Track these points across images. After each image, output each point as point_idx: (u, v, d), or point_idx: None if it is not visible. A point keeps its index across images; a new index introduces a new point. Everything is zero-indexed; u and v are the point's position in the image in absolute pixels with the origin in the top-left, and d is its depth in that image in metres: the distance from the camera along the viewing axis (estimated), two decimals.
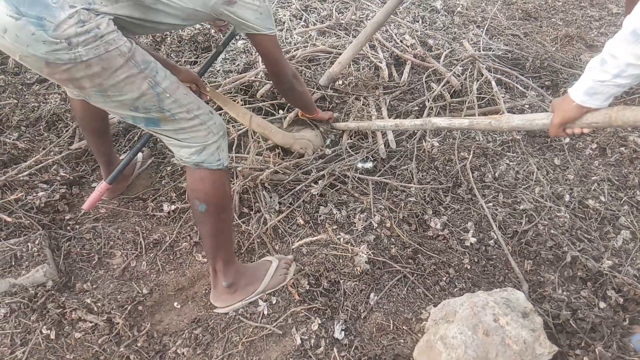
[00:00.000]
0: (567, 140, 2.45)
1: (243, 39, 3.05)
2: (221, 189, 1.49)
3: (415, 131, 2.47)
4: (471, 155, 2.32)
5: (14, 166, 2.10)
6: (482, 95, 2.67)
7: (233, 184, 2.05)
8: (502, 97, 2.65)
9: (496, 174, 2.26)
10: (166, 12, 1.34)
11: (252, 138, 2.20)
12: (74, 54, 1.15)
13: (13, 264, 1.72)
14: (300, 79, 1.99)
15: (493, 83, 2.71)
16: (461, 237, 1.96)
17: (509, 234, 1.97)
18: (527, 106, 2.67)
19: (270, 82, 2.47)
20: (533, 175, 2.24)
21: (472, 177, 2.21)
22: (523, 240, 1.93)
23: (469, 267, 1.85)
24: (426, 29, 3.48)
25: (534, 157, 2.37)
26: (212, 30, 3.01)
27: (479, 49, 3.16)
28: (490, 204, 2.11)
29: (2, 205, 1.89)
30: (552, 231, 1.95)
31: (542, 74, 3.02)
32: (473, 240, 1.93)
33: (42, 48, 1.12)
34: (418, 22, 3.62)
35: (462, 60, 2.97)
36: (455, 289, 1.78)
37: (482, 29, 3.56)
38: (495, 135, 2.50)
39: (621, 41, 1.09)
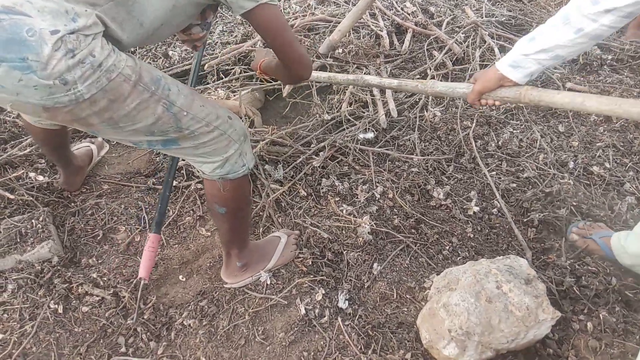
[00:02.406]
0: None
1: None
2: (241, 192, 1.44)
3: (417, 100, 2.43)
4: (474, 124, 2.30)
5: (13, 142, 2.09)
6: (485, 63, 2.63)
7: None
8: None
9: (499, 143, 2.24)
10: (150, 3, 1.11)
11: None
12: (74, 94, 0.98)
13: (18, 240, 1.73)
14: (304, 52, 1.45)
15: (496, 50, 2.67)
16: (464, 207, 1.96)
17: (512, 202, 1.97)
18: None
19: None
20: (537, 142, 2.22)
21: (475, 146, 2.19)
22: (526, 208, 1.93)
23: (472, 235, 1.85)
24: None
25: (537, 125, 2.34)
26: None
27: (482, 15, 3.10)
28: (494, 173, 2.09)
29: (4, 183, 1.90)
30: (555, 198, 1.94)
31: None
32: (476, 209, 1.93)
33: (36, 94, 0.96)
34: None
35: (464, 27, 2.92)
36: (458, 258, 1.78)
37: None
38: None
39: (552, 20, 1.23)
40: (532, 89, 1.36)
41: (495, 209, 1.94)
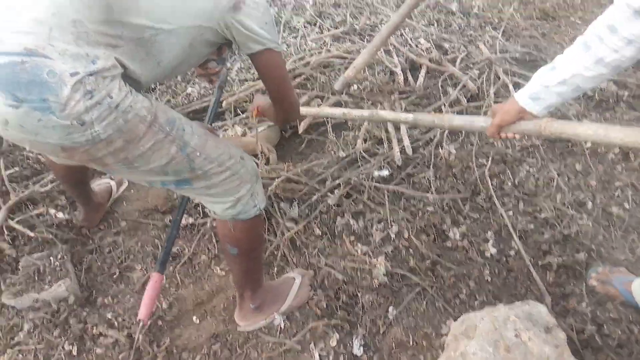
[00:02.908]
0: (589, 145, 2.40)
1: None
2: (254, 232, 1.44)
3: (432, 137, 2.44)
4: (490, 162, 2.29)
5: (35, 179, 2.13)
6: (499, 99, 2.63)
7: None
8: None
9: (516, 181, 2.22)
10: (169, 43, 1.15)
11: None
12: (91, 134, 1.00)
13: (36, 278, 1.75)
14: (297, 99, 1.57)
15: (510, 87, 2.67)
16: (481, 248, 1.94)
17: (530, 244, 1.94)
18: None
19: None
20: (554, 181, 2.19)
21: (491, 184, 2.18)
22: (545, 250, 1.90)
23: (489, 279, 1.82)
24: (442, 32, 3.45)
25: (554, 163, 2.33)
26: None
27: (496, 51, 3.12)
28: (510, 212, 2.07)
29: (26, 220, 1.93)
30: (575, 240, 1.91)
31: None
32: (493, 250, 1.91)
33: (54, 134, 0.98)
34: (433, 25, 3.59)
35: (479, 64, 2.94)
36: (475, 302, 1.75)
37: (498, 31, 3.51)
38: (515, 141, 2.46)
39: (572, 51, 1.21)
40: (552, 121, 1.33)
41: (512, 251, 1.91)
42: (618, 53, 1.13)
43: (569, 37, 3.52)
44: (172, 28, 1.13)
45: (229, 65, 2.95)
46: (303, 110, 2.22)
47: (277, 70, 1.35)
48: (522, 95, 1.33)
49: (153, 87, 2.83)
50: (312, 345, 1.61)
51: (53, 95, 0.94)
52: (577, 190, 2.17)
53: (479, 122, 1.52)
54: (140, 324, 1.59)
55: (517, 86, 2.78)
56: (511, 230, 1.95)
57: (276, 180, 2.09)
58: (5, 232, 1.88)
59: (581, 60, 1.19)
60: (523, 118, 1.36)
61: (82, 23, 0.99)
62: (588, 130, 1.28)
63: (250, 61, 1.40)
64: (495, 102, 2.62)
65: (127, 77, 1.09)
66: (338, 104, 2.62)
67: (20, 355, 1.61)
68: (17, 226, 1.87)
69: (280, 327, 1.66)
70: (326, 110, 2.19)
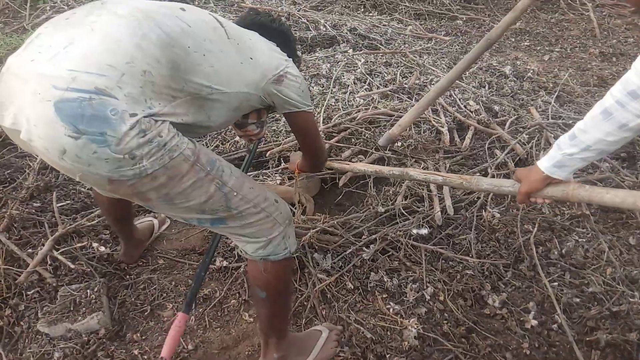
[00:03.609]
0: None
1: None
2: (283, 276, 1.46)
3: (476, 198, 2.38)
4: (536, 229, 2.20)
5: (84, 212, 2.23)
6: None
7: None
8: None
9: (563, 251, 2.12)
10: (221, 102, 1.30)
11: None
12: (139, 169, 1.08)
13: (72, 309, 1.79)
14: (325, 151, 1.95)
15: None
16: (521, 318, 1.83)
17: (575, 318, 1.81)
18: (600, 180, 2.52)
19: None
20: (604, 254, 2.07)
21: (536, 252, 2.08)
22: (590, 326, 1.77)
23: (528, 352, 1.71)
24: (492, 95, 3.44)
25: (605, 235, 2.20)
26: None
27: (548, 117, 3.06)
28: (555, 284, 1.96)
29: (69, 252, 2.01)
30: (625, 319, 1.78)
31: None
32: (534, 322, 1.79)
33: (105, 166, 1.05)
34: (484, 87, 3.59)
35: (529, 128, 2.89)
36: None
37: (552, 96, 3.46)
38: (564, 209, 2.37)
39: (592, 119, 1.21)
40: (579, 188, 1.32)
41: (555, 325, 1.80)
42: None
43: None
44: (226, 91, 1.29)
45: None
46: (336, 165, 2.25)
47: (308, 127, 1.61)
48: (546, 165, 1.33)
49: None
50: None
51: (112, 130, 1.02)
52: (630, 265, 2.04)
53: (506, 187, 1.51)
54: None
55: None
56: (554, 302, 1.84)
57: (311, 230, 2.09)
58: (49, 262, 1.95)
59: (603, 127, 1.18)
60: (551, 183, 1.36)
61: (150, 74, 1.10)
62: (615, 198, 1.25)
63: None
64: None
65: (178, 124, 1.18)
66: (381, 160, 2.63)
67: None
68: (60, 257, 1.95)
69: None
70: (359, 166, 2.20)
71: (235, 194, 1.27)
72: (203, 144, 2.88)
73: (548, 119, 3.01)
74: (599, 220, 2.31)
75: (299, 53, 1.67)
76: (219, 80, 1.26)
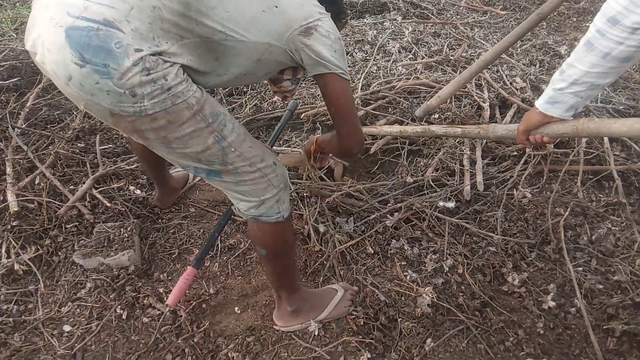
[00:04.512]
0: None
1: None
2: (281, 239, 1.47)
3: (509, 177, 2.33)
4: (567, 212, 2.14)
5: (124, 157, 2.34)
6: (590, 150, 2.46)
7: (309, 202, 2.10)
8: (615, 155, 2.42)
9: (593, 237, 2.06)
10: (237, 50, 1.23)
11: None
12: (139, 107, 1.09)
13: (105, 244, 1.91)
14: (361, 132, 1.53)
15: (605, 138, 2.49)
16: (539, 299, 1.81)
17: (595, 305, 1.78)
18: None
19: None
20: (636, 245, 2.00)
21: (565, 236, 2.04)
22: (610, 314, 1.74)
23: (542, 332, 1.70)
24: (542, 74, 3.30)
25: None
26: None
27: (597, 100, 2.93)
28: (580, 269, 1.92)
29: (107, 191, 2.12)
30: None
31: None
32: (552, 304, 1.78)
33: (107, 98, 1.08)
34: (535, 65, 3.45)
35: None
36: (521, 353, 1.64)
37: None
38: (600, 195, 2.29)
39: (577, 52, 1.21)
40: (589, 121, 1.32)
41: (574, 309, 1.77)
42: (623, 44, 1.12)
43: None
44: (243, 40, 1.22)
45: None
46: (364, 129, 2.27)
47: (341, 96, 1.38)
48: (540, 102, 1.36)
49: (245, 89, 3.00)
50: (342, 358, 1.60)
51: (115, 63, 1.04)
52: None
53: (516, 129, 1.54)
54: (167, 308, 1.68)
55: (614, 140, 2.59)
56: (576, 286, 1.81)
57: (336, 193, 2.12)
58: (88, 199, 2.07)
59: (587, 59, 1.19)
60: (550, 122, 1.37)
61: (160, 10, 1.09)
62: (622, 127, 1.26)
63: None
64: (585, 151, 2.46)
65: (189, 69, 1.17)
66: None
67: (78, 310, 1.76)
68: (99, 195, 2.06)
69: (314, 334, 1.67)
70: (385, 128, 2.25)
71: (233, 149, 1.26)
72: (244, 102, 2.93)
73: (597, 103, 2.88)
74: (637, 211, 2.23)
75: (348, 12, 1.53)
76: (235, 27, 1.19)
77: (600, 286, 1.84)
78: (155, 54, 1.08)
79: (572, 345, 1.67)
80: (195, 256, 1.75)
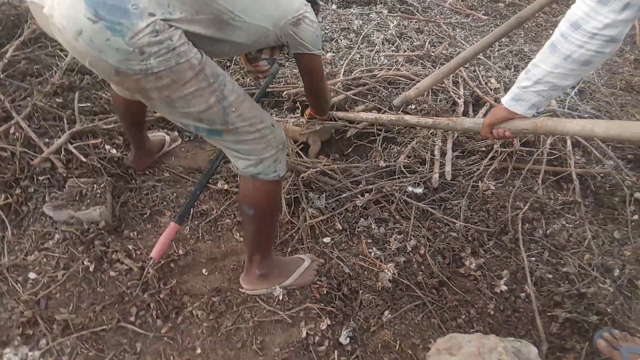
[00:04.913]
0: (636, 217, 2.31)
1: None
2: (272, 198, 1.55)
3: (475, 170, 2.44)
4: (526, 207, 2.26)
5: (101, 116, 2.33)
6: (553, 152, 2.59)
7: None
8: (575, 158, 2.56)
9: (547, 232, 2.19)
10: (242, 31, 1.36)
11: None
12: (145, 65, 1.14)
13: (77, 199, 1.90)
14: (329, 94, 2.19)
15: (568, 142, 2.63)
16: (492, 283, 1.92)
17: (544, 292, 1.90)
18: (601, 175, 2.55)
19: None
20: (586, 241, 2.14)
21: (522, 228, 2.15)
22: (557, 301, 1.86)
23: (492, 312, 1.81)
24: (516, 77, 3.42)
25: (593, 225, 2.26)
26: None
27: (565, 106, 3.07)
28: (533, 259, 2.04)
29: (82, 148, 2.11)
30: (590, 300, 1.86)
31: (627, 146, 2.87)
32: (504, 288, 1.89)
33: (115, 56, 1.12)
34: (510, 69, 3.58)
35: (544, 114, 2.90)
36: (471, 330, 1.74)
37: (575, 89, 3.45)
38: (558, 195, 2.42)
39: (542, 54, 1.29)
40: (547, 120, 1.41)
41: (523, 294, 1.89)
42: (583, 48, 1.19)
43: None
44: (247, 21, 1.36)
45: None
46: (341, 114, 2.53)
47: (315, 69, 1.79)
48: (506, 98, 1.45)
49: (227, 64, 3.02)
50: (303, 323, 1.67)
51: (129, 22, 1.09)
52: (608, 256, 2.10)
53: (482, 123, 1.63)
54: (151, 260, 1.71)
55: (577, 144, 2.73)
56: (527, 274, 1.92)
57: (311, 169, 2.18)
58: (63, 153, 2.07)
59: (550, 60, 1.27)
60: (514, 119, 1.46)
61: None
62: (576, 127, 1.36)
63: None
64: (549, 152, 2.59)
65: (191, 34, 1.23)
66: None
67: (45, 260, 1.77)
68: (74, 150, 2.05)
69: (278, 299, 1.73)
70: (361, 114, 2.36)
71: (233, 109, 1.32)
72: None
73: (564, 109, 3.02)
74: (590, 212, 2.37)
75: (320, 2, 1.81)
76: (242, 9, 1.32)
77: (550, 276, 1.96)
78: (165, 20, 1.14)
79: (519, 327, 1.79)
80: (178, 212, 1.78)
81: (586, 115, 3.04)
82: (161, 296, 1.69)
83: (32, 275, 1.71)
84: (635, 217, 2.33)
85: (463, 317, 1.78)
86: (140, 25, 1.10)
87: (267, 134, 1.42)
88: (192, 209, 1.98)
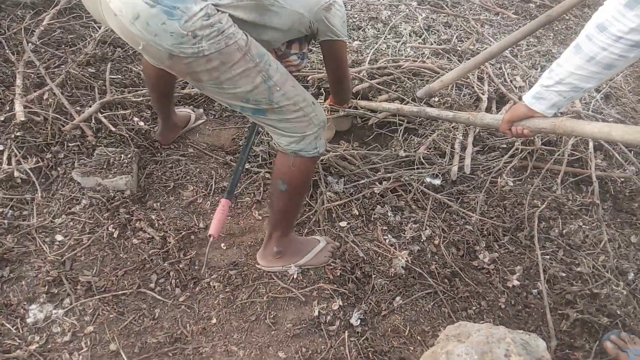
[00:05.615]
0: None
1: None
2: (306, 175, 1.61)
3: (494, 165, 2.45)
4: (544, 206, 2.26)
5: (131, 89, 2.39)
6: (575, 152, 2.58)
7: None
8: (597, 161, 2.55)
9: (564, 231, 2.19)
10: (279, 17, 1.42)
11: None
12: (197, 48, 1.18)
13: (104, 167, 1.97)
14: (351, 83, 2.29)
15: (590, 144, 2.62)
16: (505, 277, 1.94)
17: (556, 290, 1.92)
18: (621, 179, 2.54)
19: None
20: (602, 243, 2.14)
21: (538, 226, 2.16)
22: (568, 300, 1.87)
23: (503, 306, 1.83)
24: None
25: (610, 228, 2.26)
26: None
27: (589, 108, 3.05)
28: (547, 257, 2.06)
29: (112, 117, 2.17)
30: (603, 302, 1.87)
31: None
32: (516, 283, 1.91)
33: (169, 39, 1.16)
34: (537, 69, 3.55)
35: (567, 114, 2.89)
36: (481, 321, 1.77)
37: (600, 92, 3.42)
38: (577, 196, 2.42)
39: (566, 53, 1.29)
40: (566, 120, 1.42)
41: (535, 290, 1.91)
42: (607, 50, 1.19)
43: None
44: (285, 7, 1.42)
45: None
46: (363, 103, 2.56)
47: (341, 55, 1.85)
48: (527, 96, 1.45)
49: None
50: (315, 302, 1.71)
51: (184, 7, 1.14)
52: (624, 259, 2.11)
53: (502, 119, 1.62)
54: (210, 238, 1.70)
55: (599, 147, 2.71)
56: (541, 271, 1.94)
57: (330, 153, 2.21)
58: (93, 122, 2.13)
59: (573, 61, 1.26)
60: (533, 117, 1.47)
61: None
62: (594, 129, 1.37)
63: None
64: (571, 152, 2.58)
65: (235, 19, 1.29)
66: None
67: (72, 223, 1.83)
68: (104, 119, 2.12)
69: (293, 277, 1.78)
70: (384, 104, 2.37)
71: (278, 88, 1.37)
72: None
73: (588, 111, 3.00)
74: (608, 215, 2.36)
75: None
76: None
77: (563, 274, 1.97)
78: (215, 5, 1.20)
79: (529, 322, 1.81)
80: (227, 189, 1.82)
81: (610, 119, 3.02)
82: (181, 266, 1.75)
83: (58, 237, 1.78)
84: None
85: (474, 308, 1.80)
86: (195, 9, 1.15)
87: (309, 112, 1.46)
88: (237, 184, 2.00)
